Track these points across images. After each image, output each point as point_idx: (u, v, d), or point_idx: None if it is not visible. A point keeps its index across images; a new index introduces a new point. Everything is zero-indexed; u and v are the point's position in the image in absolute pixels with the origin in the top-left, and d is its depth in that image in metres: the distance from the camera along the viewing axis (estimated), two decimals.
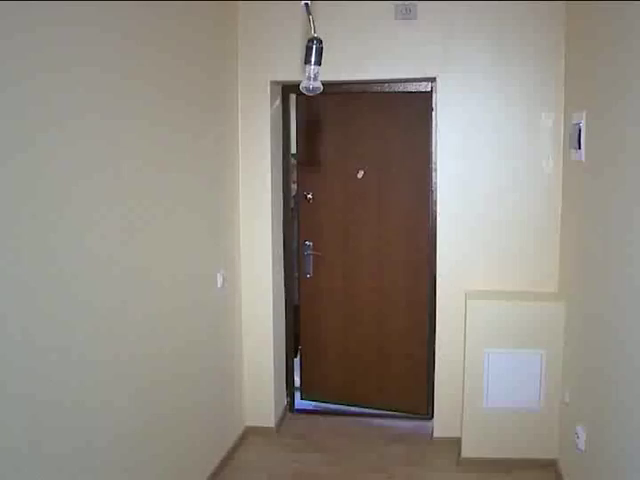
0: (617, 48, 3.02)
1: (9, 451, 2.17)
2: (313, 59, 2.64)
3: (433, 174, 4.54)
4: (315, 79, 2.63)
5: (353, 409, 5.11)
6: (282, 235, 4.93)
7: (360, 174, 4.83)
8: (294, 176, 5.10)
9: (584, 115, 3.54)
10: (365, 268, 4.94)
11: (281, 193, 4.89)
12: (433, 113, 4.50)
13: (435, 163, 4.49)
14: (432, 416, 4.71)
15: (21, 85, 2.20)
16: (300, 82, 2.85)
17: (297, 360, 5.28)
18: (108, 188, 2.78)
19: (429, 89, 4.56)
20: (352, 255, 4.99)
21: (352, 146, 4.85)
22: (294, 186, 5.12)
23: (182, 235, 3.61)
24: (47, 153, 2.35)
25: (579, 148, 3.62)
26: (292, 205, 5.10)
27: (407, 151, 4.76)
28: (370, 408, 5.06)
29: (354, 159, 4.85)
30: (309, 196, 4.99)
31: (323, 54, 2.80)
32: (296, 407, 5.20)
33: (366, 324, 4.98)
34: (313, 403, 5.24)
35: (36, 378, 2.31)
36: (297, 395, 5.24)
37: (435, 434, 4.63)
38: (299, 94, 4.85)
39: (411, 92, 4.65)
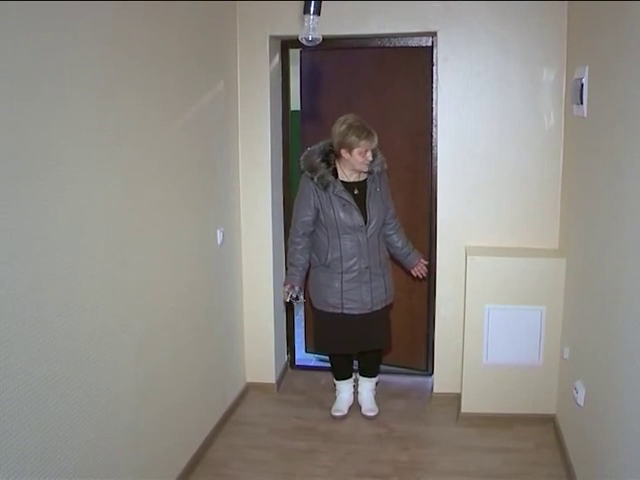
0: (620, 2, 2.96)
1: (9, 402, 2.18)
2: (312, 9, 2.59)
3: (434, 130, 4.50)
4: (314, 29, 2.58)
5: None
6: (282, 191, 4.91)
7: None
8: None
9: (586, 70, 3.49)
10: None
11: (281, 149, 4.85)
12: (434, 68, 4.45)
13: (435, 119, 4.44)
14: (432, 372, 4.75)
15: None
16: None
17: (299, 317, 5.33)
18: (106, 146, 2.75)
19: (430, 44, 4.50)
20: None
21: (353, 101, 4.79)
22: None
23: (181, 191, 3.59)
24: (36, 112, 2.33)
25: (581, 103, 3.57)
26: None
27: (408, 106, 4.71)
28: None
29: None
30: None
31: (322, 8, 2.75)
32: (297, 363, 5.24)
33: None
34: (314, 359, 5.29)
35: (36, 330, 2.31)
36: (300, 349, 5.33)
37: (435, 390, 4.67)
38: (300, 49, 4.80)
39: (412, 47, 4.60)
